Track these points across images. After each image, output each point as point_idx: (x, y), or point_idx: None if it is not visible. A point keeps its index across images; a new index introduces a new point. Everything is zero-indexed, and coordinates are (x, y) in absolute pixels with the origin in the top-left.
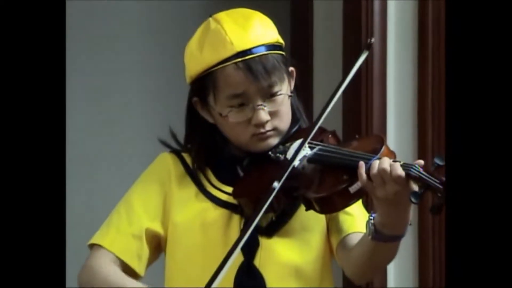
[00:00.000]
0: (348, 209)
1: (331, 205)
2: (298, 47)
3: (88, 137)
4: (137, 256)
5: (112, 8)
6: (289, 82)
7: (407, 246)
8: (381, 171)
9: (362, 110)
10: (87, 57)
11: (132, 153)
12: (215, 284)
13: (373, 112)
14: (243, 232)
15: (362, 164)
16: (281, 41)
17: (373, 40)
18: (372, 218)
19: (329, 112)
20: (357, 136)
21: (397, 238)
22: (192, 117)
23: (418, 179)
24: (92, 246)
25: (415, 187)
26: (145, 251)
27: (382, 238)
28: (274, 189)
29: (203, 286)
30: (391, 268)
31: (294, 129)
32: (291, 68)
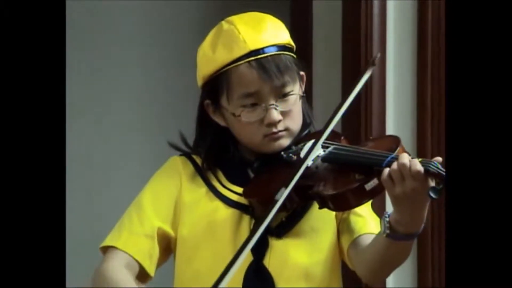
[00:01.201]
0: (359, 211)
1: (345, 202)
2: (297, 47)
3: (90, 140)
4: (149, 256)
5: (116, 8)
6: (300, 85)
7: None
8: (401, 166)
9: (361, 111)
10: (89, 58)
11: (135, 156)
12: (223, 284)
13: (372, 113)
14: (252, 232)
15: (382, 160)
16: (293, 44)
17: (378, 55)
18: (387, 215)
19: (329, 113)
20: (371, 137)
21: (411, 236)
22: (203, 121)
23: (437, 175)
24: (105, 249)
25: (432, 184)
26: (156, 251)
27: (397, 237)
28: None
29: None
30: None
31: (304, 133)
32: (301, 72)
